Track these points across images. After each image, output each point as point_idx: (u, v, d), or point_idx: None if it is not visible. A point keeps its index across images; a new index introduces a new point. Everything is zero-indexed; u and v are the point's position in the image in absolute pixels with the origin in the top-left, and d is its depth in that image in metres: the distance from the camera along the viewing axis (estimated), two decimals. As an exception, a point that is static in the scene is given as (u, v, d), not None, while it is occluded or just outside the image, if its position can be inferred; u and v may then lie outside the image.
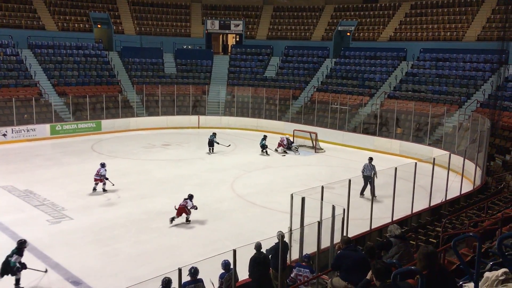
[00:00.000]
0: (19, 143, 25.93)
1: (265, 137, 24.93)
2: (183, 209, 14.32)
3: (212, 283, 8.89)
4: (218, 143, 24.48)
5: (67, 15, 36.74)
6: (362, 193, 17.19)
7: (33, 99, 28.08)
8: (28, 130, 27.04)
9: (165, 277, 7.96)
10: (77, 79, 32.54)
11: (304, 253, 10.28)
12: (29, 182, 18.47)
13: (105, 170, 17.55)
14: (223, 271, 8.90)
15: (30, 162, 21.98)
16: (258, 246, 9.36)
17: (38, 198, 16.65)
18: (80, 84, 32.39)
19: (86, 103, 29.89)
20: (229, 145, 25.42)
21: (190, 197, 14.68)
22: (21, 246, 10.50)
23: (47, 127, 27.89)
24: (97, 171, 17.51)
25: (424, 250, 4.72)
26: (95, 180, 17.45)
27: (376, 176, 16.28)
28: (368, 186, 16.77)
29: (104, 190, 17.49)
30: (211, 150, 24.51)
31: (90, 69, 33.64)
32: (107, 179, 17.47)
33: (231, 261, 8.11)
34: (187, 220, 14.52)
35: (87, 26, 36.81)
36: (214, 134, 25.05)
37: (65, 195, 17.02)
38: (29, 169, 20.61)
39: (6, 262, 10.22)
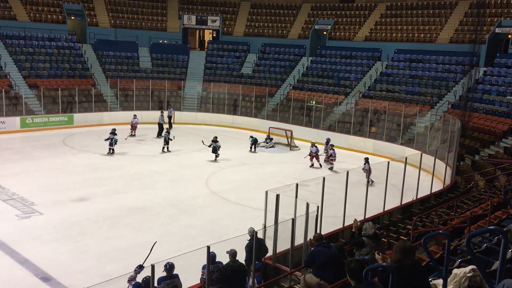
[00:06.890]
0: (-12, 136, 25.22)
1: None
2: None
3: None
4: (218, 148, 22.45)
5: (40, 6, 35.86)
6: None
7: (3, 91, 27.35)
8: (-3, 123, 26.32)
9: (168, 261, 7.95)
10: (49, 71, 31.82)
11: (278, 249, 10.31)
12: (-3, 176, 17.98)
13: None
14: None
15: (-1, 155, 21.41)
16: (233, 254, 8.68)
17: (7, 192, 16.22)
18: (52, 77, 31.67)
19: (58, 96, 29.25)
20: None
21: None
22: None
23: (17, 119, 27.19)
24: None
25: (400, 244, 4.78)
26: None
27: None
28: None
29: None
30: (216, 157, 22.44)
31: (62, 62, 32.93)
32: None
33: (206, 257, 8.02)
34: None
35: (60, 17, 36.01)
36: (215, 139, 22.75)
37: (35, 190, 16.64)
38: (-2, 163, 20.07)
39: None
